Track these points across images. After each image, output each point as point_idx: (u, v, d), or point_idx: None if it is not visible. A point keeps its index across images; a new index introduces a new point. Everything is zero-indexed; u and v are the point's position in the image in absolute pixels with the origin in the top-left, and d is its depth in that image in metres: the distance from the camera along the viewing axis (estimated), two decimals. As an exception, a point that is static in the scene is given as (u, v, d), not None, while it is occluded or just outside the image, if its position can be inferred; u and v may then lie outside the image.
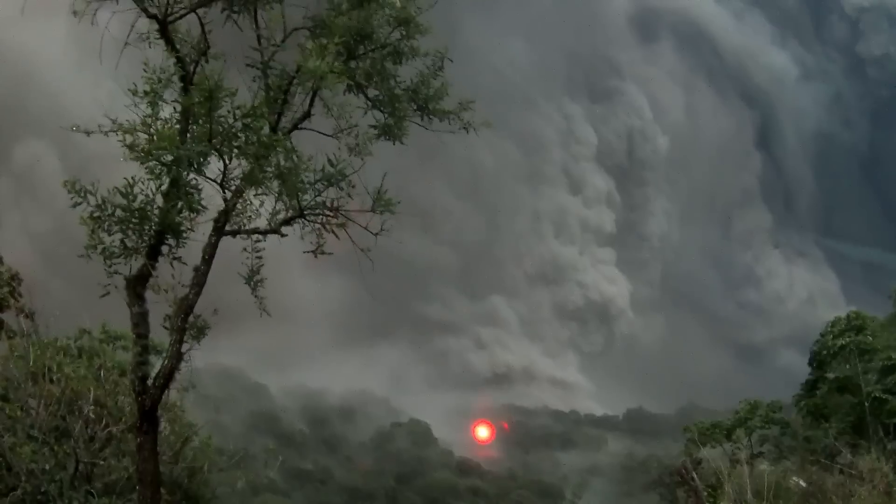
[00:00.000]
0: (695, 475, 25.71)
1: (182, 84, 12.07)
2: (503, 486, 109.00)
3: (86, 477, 15.18)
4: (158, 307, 12.41)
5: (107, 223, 11.75)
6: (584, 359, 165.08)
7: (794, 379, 38.09)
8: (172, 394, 15.30)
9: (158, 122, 11.63)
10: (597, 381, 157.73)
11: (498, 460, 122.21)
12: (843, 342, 31.02)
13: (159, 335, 12.77)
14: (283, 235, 12.93)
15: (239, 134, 11.79)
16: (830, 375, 31.86)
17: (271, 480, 71.19)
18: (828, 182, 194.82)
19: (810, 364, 33.40)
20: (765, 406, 34.04)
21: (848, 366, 30.72)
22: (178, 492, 16.58)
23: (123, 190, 11.67)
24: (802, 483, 22.84)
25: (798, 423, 33.05)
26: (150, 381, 12.69)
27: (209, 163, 11.97)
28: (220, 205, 12.45)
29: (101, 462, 15.53)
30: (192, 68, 12.22)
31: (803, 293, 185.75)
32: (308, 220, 12.87)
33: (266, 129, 12.16)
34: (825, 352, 31.97)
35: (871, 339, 30.75)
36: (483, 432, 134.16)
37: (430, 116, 13.38)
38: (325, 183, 12.56)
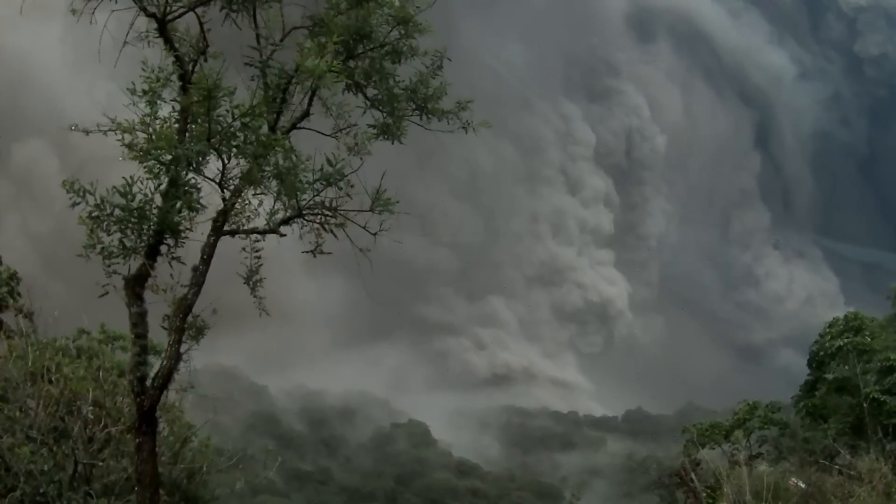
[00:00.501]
0: (694, 476, 25.64)
1: (181, 83, 12.07)
2: (503, 487, 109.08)
3: (84, 478, 15.14)
4: (157, 307, 12.39)
5: (105, 223, 11.73)
6: (583, 360, 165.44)
7: (793, 379, 38.14)
8: (171, 394, 15.28)
9: (157, 122, 11.62)
10: (596, 382, 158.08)
11: (497, 461, 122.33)
12: (842, 343, 31.03)
13: (158, 336, 12.75)
14: (281, 235, 12.91)
15: (238, 133, 11.77)
16: (829, 376, 31.84)
17: (270, 481, 71.18)
18: (826, 182, 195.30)
19: (809, 365, 33.41)
20: (763, 407, 33.96)
21: (846, 367, 30.71)
22: (177, 493, 16.54)
23: (122, 189, 11.65)
24: (801, 484, 22.80)
25: (797, 424, 32.99)
26: (148, 382, 12.65)
27: (208, 162, 11.95)
28: (219, 204, 12.42)
29: (100, 463, 15.48)
30: (190, 67, 12.22)
31: (802, 293, 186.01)
32: (307, 220, 12.85)
33: (265, 129, 12.14)
34: (823, 353, 31.97)
35: (869, 339, 30.75)
36: None
37: (429, 116, 13.37)
38: (324, 182, 12.54)
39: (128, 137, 11.36)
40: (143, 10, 12.01)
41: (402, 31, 12.93)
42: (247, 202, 12.61)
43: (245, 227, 12.75)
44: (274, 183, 12.33)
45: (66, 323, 19.30)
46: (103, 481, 15.47)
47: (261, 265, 12.83)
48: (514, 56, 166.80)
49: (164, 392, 12.98)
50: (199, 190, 12.07)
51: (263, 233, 12.83)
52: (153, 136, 11.40)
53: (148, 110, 11.59)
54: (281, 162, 12.15)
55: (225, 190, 12.40)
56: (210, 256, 12.56)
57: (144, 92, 11.57)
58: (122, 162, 11.49)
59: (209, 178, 12.19)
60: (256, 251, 12.79)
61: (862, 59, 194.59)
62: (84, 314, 20.02)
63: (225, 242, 12.67)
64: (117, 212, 11.74)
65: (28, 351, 16.37)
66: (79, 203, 11.65)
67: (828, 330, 32.39)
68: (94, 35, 12.08)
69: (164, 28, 12.10)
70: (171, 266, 12.27)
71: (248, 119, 11.69)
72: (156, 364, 12.73)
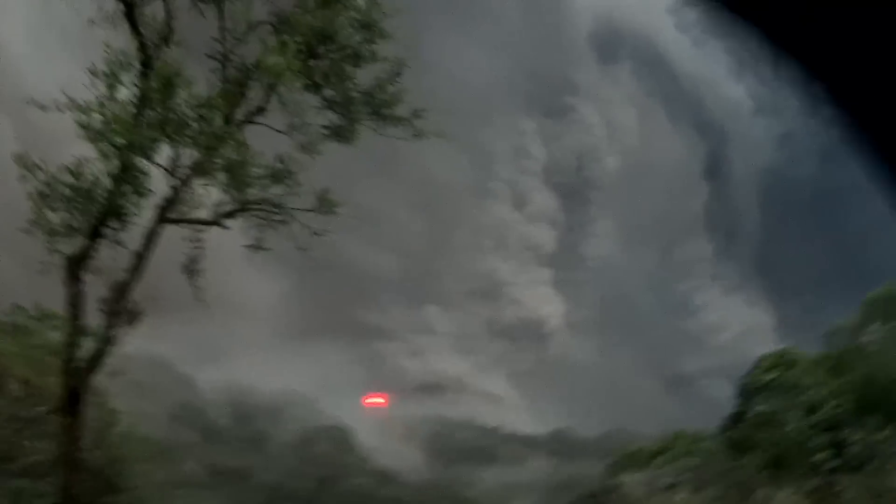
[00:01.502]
0: (612, 500, 25.90)
1: (142, 68, 11.97)
2: (424, 496, 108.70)
3: (5, 458, 14.92)
4: (98, 290, 12.26)
5: (53, 201, 11.61)
6: (513, 376, 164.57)
7: (723, 410, 38.45)
8: (100, 379, 15.10)
9: (114, 104, 11.52)
10: (525, 399, 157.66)
11: (420, 470, 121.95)
12: (771, 377, 31.37)
13: (97, 319, 12.58)
14: (224, 227, 12.86)
15: (192, 124, 11.72)
16: (756, 409, 32.17)
17: (193, 474, 70.40)
18: (772, 218, 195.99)
19: (737, 397, 33.72)
20: (689, 436, 34.26)
21: (774, 400, 31.04)
22: (100, 478, 16.35)
23: (72, 169, 11.54)
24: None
25: (720, 455, 33.29)
26: (78, 364, 12.49)
27: (160, 149, 11.89)
28: (166, 191, 12.34)
29: (24, 443, 15.27)
30: (153, 53, 12.12)
31: (738, 326, 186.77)
32: (251, 214, 12.83)
33: (219, 121, 12.09)
34: (751, 386, 32.31)
35: (799, 375, 31.09)
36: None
37: (384, 121, 13.42)
38: (272, 179, 12.53)
39: (83, 118, 11.27)
40: (113, -10, 11.91)
41: (366, 36, 12.97)
42: (194, 192, 12.55)
43: (189, 217, 12.68)
44: (223, 175, 12.30)
45: (7, 297, 19.02)
46: (23, 462, 15.26)
47: (201, 255, 12.77)
48: (476, 65, 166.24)
49: (93, 375, 12.80)
50: (148, 175, 11.99)
51: (207, 223, 12.77)
52: (109, 119, 11.32)
53: (106, 92, 11.50)
54: (232, 155, 12.12)
55: (174, 178, 12.33)
56: (152, 243, 12.46)
57: (105, 74, 11.48)
58: (79, 140, 11.39)
59: (161, 166, 12.12)
60: (198, 241, 12.72)
61: (819, 99, 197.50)
62: (25, 289, 19.71)
63: (174, 231, 12.59)
64: (66, 191, 11.63)
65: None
66: (28, 178, 11.52)
67: (759, 364, 32.74)
68: (62, 9, 11.94)
69: (131, 12, 12.00)
70: (115, 249, 12.15)
71: (203, 111, 11.66)
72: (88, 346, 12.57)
